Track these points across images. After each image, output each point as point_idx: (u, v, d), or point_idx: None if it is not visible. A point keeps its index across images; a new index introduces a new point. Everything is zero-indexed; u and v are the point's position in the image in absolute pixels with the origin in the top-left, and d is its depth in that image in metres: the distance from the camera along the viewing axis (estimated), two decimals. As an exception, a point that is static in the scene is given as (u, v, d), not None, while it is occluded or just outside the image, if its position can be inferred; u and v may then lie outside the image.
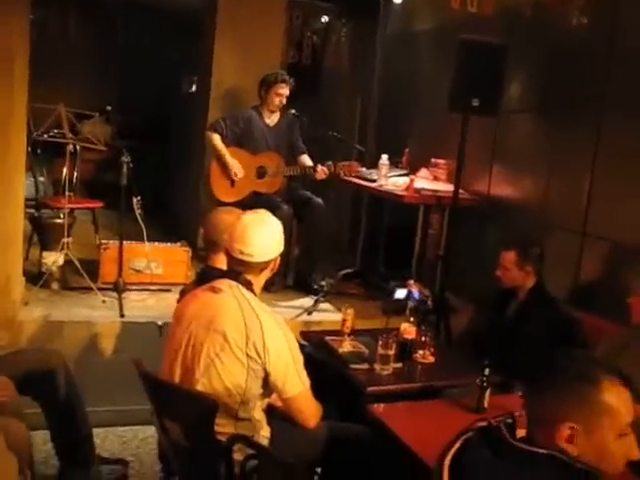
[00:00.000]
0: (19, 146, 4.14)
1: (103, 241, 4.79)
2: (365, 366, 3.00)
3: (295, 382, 2.45)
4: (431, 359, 3.15)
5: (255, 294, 2.56)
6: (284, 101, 5.02)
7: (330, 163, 4.94)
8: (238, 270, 2.55)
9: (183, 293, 3.22)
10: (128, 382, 3.45)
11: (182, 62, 7.96)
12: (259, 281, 2.60)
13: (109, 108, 4.17)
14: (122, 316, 4.16)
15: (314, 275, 5.13)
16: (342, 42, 6.85)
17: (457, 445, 1.53)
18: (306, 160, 5.16)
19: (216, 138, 5.03)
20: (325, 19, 6.85)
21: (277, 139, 5.14)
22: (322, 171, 4.92)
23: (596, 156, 3.80)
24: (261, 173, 5.09)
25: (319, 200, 5.06)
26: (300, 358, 2.50)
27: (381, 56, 5.96)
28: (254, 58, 5.84)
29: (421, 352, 3.15)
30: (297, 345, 2.52)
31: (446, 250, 4.55)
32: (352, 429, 2.75)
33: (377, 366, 2.96)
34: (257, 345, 2.38)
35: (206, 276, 3.03)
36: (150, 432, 3.83)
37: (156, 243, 4.82)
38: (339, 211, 5.81)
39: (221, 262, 3.07)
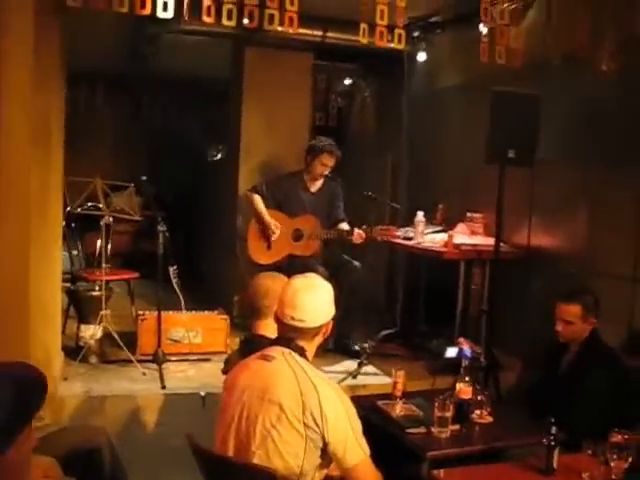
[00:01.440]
0: (56, 220, 4.16)
1: (140, 312, 4.75)
2: (422, 430, 2.87)
3: (356, 450, 2.34)
4: (489, 419, 3.02)
5: (309, 360, 2.48)
6: (328, 171, 5.04)
7: (366, 227, 4.90)
8: (290, 336, 2.47)
9: (228, 363, 3.16)
10: (174, 457, 3.37)
11: (207, 131, 8.07)
12: (312, 347, 2.51)
13: (144, 178, 4.18)
14: (163, 388, 4.09)
15: (353, 337, 5.05)
16: (367, 102, 6.91)
17: None
18: (344, 227, 5.14)
19: (257, 199, 5.06)
20: (349, 81, 6.93)
21: (317, 205, 5.16)
22: (359, 235, 4.87)
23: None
24: (298, 236, 5.08)
25: (356, 263, 5.02)
26: (359, 425, 2.40)
27: (408, 114, 5.96)
28: (282, 123, 5.91)
29: (478, 412, 3.02)
30: (355, 412, 2.42)
31: (489, 305, 4.44)
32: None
33: (435, 429, 2.84)
34: (314, 414, 2.29)
35: (251, 344, 2.97)
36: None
37: (194, 312, 4.78)
38: (374, 271, 5.73)
39: (264, 328, 3.02)
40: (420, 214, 5.04)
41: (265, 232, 5.06)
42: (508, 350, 4.51)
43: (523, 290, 4.56)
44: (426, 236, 5.00)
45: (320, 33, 5.43)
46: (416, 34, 5.67)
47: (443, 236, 4.91)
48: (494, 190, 4.57)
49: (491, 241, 4.67)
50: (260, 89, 5.87)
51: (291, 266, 4.82)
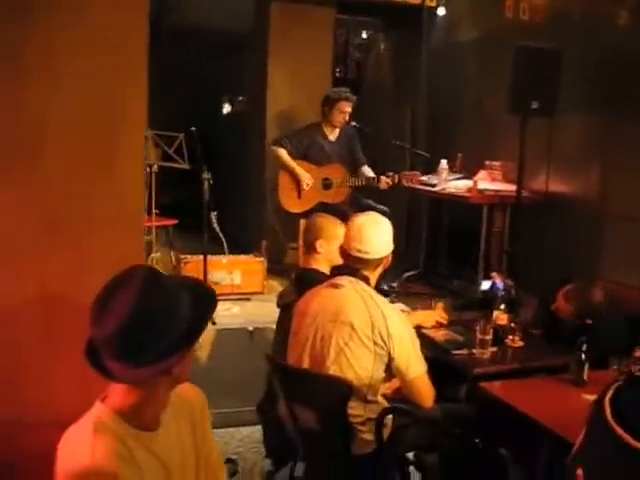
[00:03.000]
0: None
1: (182, 256, 5.06)
2: (465, 351, 3.23)
3: (417, 365, 2.69)
4: (520, 343, 3.37)
5: (372, 288, 2.81)
6: (347, 118, 5.28)
7: (392, 174, 5.20)
8: (356, 267, 2.80)
9: (282, 297, 3.49)
10: (224, 387, 3.72)
11: (224, 82, 8.25)
12: (374, 276, 2.85)
13: (193, 129, 4.44)
14: (214, 324, 4.43)
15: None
16: (386, 55, 7.13)
17: (611, 390, 1.76)
18: (367, 171, 5.42)
19: (283, 152, 5.30)
20: (368, 34, 7.15)
21: (339, 152, 5.40)
22: (385, 182, 5.18)
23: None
24: (327, 184, 5.36)
25: (383, 207, 5.31)
26: (418, 343, 2.75)
27: (427, 66, 6.22)
28: (306, 75, 6.14)
29: (511, 337, 3.37)
30: (414, 332, 2.77)
31: (511, 245, 4.78)
32: (461, 409, 2.99)
33: (477, 350, 3.19)
34: (382, 332, 2.63)
35: (307, 277, 3.30)
36: (246, 432, 4.07)
37: (231, 255, 5.10)
38: (397, 217, 6.05)
39: (316, 263, 3.34)
40: (444, 162, 5.35)
41: (296, 182, 5.33)
42: (527, 288, 4.86)
43: (541, 233, 4.90)
44: (449, 182, 5.31)
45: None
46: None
47: (465, 182, 5.22)
48: (512, 140, 4.90)
49: (511, 187, 5.01)
50: (284, 42, 6.08)
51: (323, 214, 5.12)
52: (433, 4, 4.39)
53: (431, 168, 5.69)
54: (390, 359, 2.67)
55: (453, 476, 2.12)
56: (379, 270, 2.87)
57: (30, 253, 1.80)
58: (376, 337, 2.63)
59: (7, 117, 1.84)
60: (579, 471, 1.80)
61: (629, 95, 4.33)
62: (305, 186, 5.27)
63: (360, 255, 2.78)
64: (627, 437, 1.67)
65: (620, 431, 1.69)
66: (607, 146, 4.53)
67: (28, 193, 1.81)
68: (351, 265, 2.82)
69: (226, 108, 8.59)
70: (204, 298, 1.59)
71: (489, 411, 2.82)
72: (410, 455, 2.94)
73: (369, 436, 2.67)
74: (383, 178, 5.20)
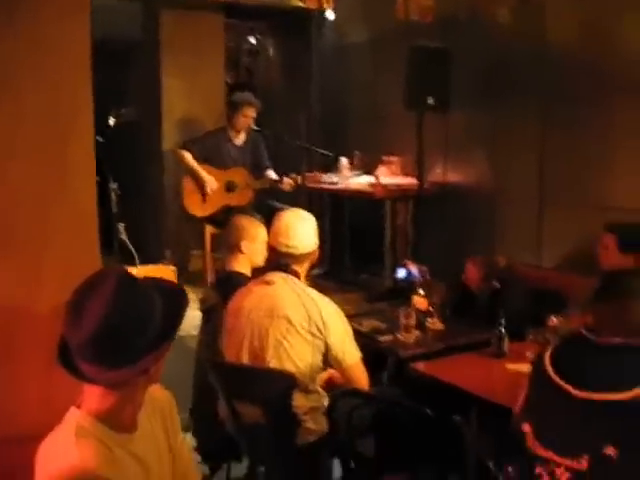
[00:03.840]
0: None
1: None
2: (390, 337, 3.38)
3: (352, 352, 2.80)
4: (440, 325, 3.55)
5: (302, 281, 2.89)
6: (251, 122, 5.34)
7: (294, 175, 5.30)
8: (285, 262, 2.87)
9: (205, 301, 3.50)
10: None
11: (110, 92, 8.07)
12: (304, 270, 2.93)
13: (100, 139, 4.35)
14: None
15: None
16: (273, 59, 7.23)
17: (548, 352, 1.94)
18: (271, 174, 5.50)
19: (187, 155, 5.29)
20: (257, 39, 7.21)
21: (244, 156, 5.47)
22: (288, 183, 5.29)
23: (544, 134, 4.36)
24: (230, 187, 5.39)
25: (287, 207, 5.39)
26: (351, 332, 2.85)
27: (319, 69, 6.37)
28: (200, 82, 6.15)
29: (431, 320, 3.54)
30: (347, 320, 2.87)
31: (415, 236, 5.00)
32: (393, 391, 3.13)
33: (401, 335, 3.34)
34: (318, 323, 2.72)
35: (230, 280, 3.34)
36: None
37: (142, 266, 5.01)
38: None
39: (239, 265, 3.39)
40: (344, 159, 5.51)
41: (200, 186, 5.34)
42: (433, 275, 5.09)
43: (442, 221, 5.13)
44: (350, 179, 5.47)
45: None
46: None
47: (366, 178, 5.39)
48: (407, 135, 5.14)
49: (410, 180, 5.24)
50: (176, 50, 6.05)
51: (227, 216, 5.14)
52: (323, 7, 4.54)
53: (330, 167, 5.84)
54: (327, 349, 2.75)
55: (409, 448, 2.23)
56: (307, 264, 2.95)
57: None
58: (312, 328, 2.71)
59: None
60: (526, 427, 1.98)
61: (512, 88, 4.63)
62: (209, 190, 5.29)
63: (289, 250, 2.85)
64: (569, 388, 1.86)
65: (563, 384, 1.88)
66: (495, 136, 4.82)
67: None
68: (281, 261, 2.89)
69: (112, 120, 8.41)
70: (176, 297, 1.62)
71: (419, 390, 2.97)
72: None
73: (312, 425, 2.75)
74: (286, 179, 5.30)
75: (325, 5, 4.92)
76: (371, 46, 5.83)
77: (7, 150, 1.85)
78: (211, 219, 5.44)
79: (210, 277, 5.45)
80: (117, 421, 1.54)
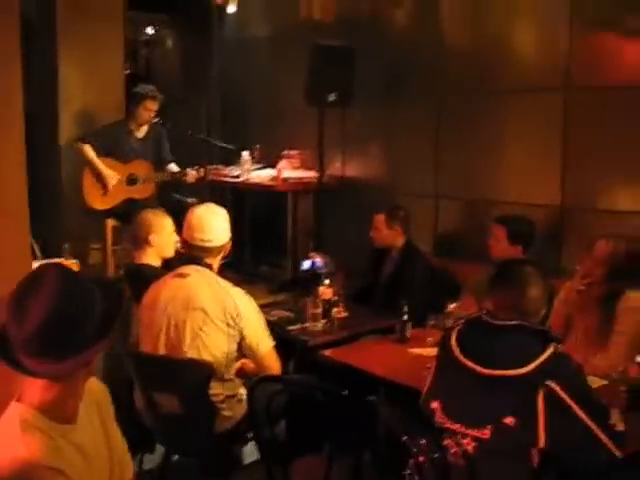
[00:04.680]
0: None
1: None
2: (298, 326, 3.52)
3: (266, 341, 2.91)
4: (345, 314, 3.72)
5: (215, 274, 2.98)
6: (153, 115, 5.31)
7: (197, 167, 5.34)
8: (199, 255, 2.95)
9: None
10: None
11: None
12: (216, 263, 3.03)
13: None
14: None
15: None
16: (172, 51, 7.18)
17: (456, 328, 2.14)
18: (173, 167, 5.49)
19: (87, 148, 5.20)
20: (155, 30, 7.14)
21: (145, 149, 5.41)
22: (192, 176, 5.31)
23: (439, 131, 4.62)
24: (132, 180, 5.35)
25: (192, 200, 5.42)
26: (264, 321, 2.97)
27: (218, 62, 6.41)
28: (98, 73, 6.02)
29: (336, 309, 3.70)
30: (259, 309, 2.98)
31: (316, 229, 5.17)
32: (301, 377, 3.26)
33: (309, 324, 3.50)
34: (233, 314, 2.82)
35: (140, 272, 3.38)
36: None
37: (45, 261, 4.90)
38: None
39: (147, 258, 3.44)
40: (245, 153, 5.58)
41: (100, 179, 5.27)
42: (333, 264, 5.27)
43: (341, 213, 5.32)
44: (252, 173, 5.56)
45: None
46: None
47: (267, 172, 5.50)
48: (306, 129, 5.29)
49: (310, 174, 5.40)
50: (73, 39, 5.90)
51: (129, 209, 5.13)
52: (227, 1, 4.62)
53: (231, 160, 5.90)
54: (241, 338, 2.86)
55: (324, 429, 2.38)
56: (220, 257, 3.04)
57: None
58: (228, 319, 2.81)
59: None
60: (434, 404, 2.16)
61: (409, 86, 4.87)
62: (110, 183, 5.22)
63: (203, 244, 2.94)
64: (474, 366, 2.05)
65: (468, 362, 2.07)
66: (392, 132, 5.05)
67: None
68: (195, 254, 2.96)
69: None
70: (113, 292, 1.67)
71: (326, 376, 3.12)
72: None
73: (229, 412, 2.86)
74: (190, 172, 5.32)
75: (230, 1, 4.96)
76: (272, 41, 5.93)
77: None
78: (112, 212, 5.39)
79: (111, 270, 5.40)
80: (59, 412, 1.58)
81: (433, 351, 3.04)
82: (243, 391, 2.96)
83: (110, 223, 5.42)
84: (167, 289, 2.91)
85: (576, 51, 3.91)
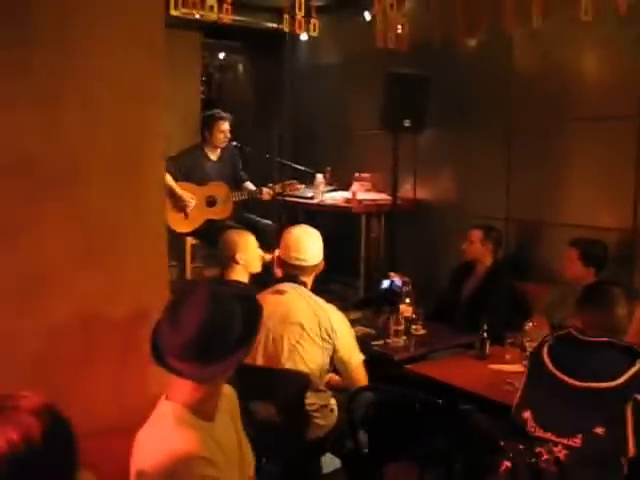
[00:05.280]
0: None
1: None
2: (381, 342, 3.71)
3: (357, 354, 3.11)
4: (423, 331, 3.90)
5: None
6: (228, 135, 5.58)
7: (272, 185, 5.60)
8: (295, 274, 3.17)
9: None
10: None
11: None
12: (310, 281, 3.24)
13: None
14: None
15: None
16: (243, 76, 7.50)
17: (547, 344, 2.31)
18: (249, 185, 5.76)
19: (166, 176, 5.46)
20: (223, 55, 7.48)
21: (222, 171, 5.68)
22: (267, 193, 5.57)
23: (510, 156, 4.80)
24: (211, 202, 5.62)
25: (268, 221, 5.69)
26: (354, 336, 3.17)
27: (291, 87, 6.70)
28: (179, 99, 6.35)
29: (415, 327, 3.89)
30: (350, 325, 3.18)
31: (388, 250, 5.37)
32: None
33: (391, 340, 3.69)
34: (327, 329, 3.03)
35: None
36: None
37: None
38: (277, 230, 6.41)
39: (236, 274, 3.68)
40: (319, 175, 5.83)
41: (180, 204, 5.51)
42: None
43: (412, 235, 5.51)
44: (325, 195, 5.80)
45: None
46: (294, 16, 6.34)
47: (340, 194, 5.74)
48: (377, 153, 5.53)
49: (382, 196, 5.60)
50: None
51: (209, 229, 5.41)
52: (298, 30, 4.89)
53: (303, 183, 6.14)
54: (335, 351, 3.06)
55: (423, 436, 2.56)
56: (314, 275, 3.26)
57: (69, 277, 1.98)
58: (323, 333, 3.02)
59: (47, 146, 1.98)
60: (526, 414, 2.34)
61: (476, 112, 5.05)
62: (187, 205, 5.45)
63: (299, 263, 3.16)
64: (566, 378, 2.22)
65: (561, 375, 2.24)
66: (462, 157, 5.23)
67: (67, 222, 1.98)
68: (290, 272, 3.19)
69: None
70: (251, 305, 1.88)
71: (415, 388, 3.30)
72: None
73: (322, 421, 3.06)
74: (265, 189, 5.57)
75: (299, 30, 5.21)
76: (344, 68, 6.19)
77: (89, 168, 2.04)
78: (196, 233, 5.64)
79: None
80: (203, 411, 1.81)
81: (512, 367, 3.25)
82: (334, 402, 3.16)
83: (190, 241, 5.69)
84: (267, 304, 3.07)
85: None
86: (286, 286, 3.15)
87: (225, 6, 4.26)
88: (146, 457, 1.73)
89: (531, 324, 3.43)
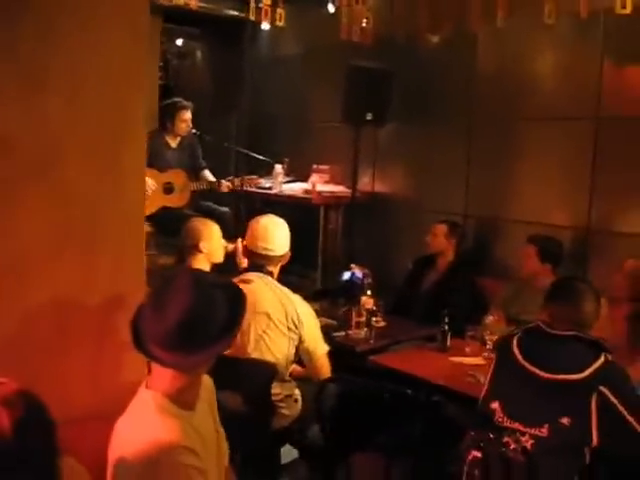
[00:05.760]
0: None
1: None
2: (343, 333, 3.74)
3: (322, 345, 3.14)
4: (383, 323, 3.94)
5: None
6: (190, 124, 5.52)
7: (232, 177, 5.56)
8: (261, 263, 3.18)
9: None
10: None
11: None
12: (277, 271, 3.25)
13: None
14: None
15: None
16: (201, 63, 7.41)
17: (515, 336, 2.37)
18: (208, 175, 5.71)
19: None
20: (181, 42, 7.37)
21: (181, 158, 5.62)
22: (226, 186, 5.53)
23: (470, 153, 4.87)
24: (168, 189, 5.56)
25: (224, 209, 5.64)
26: (319, 326, 3.19)
27: (250, 76, 6.66)
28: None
29: (375, 319, 3.93)
30: (316, 316, 3.20)
31: (346, 242, 5.39)
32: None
33: (353, 331, 3.72)
34: (294, 319, 3.04)
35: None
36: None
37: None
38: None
39: (198, 263, 3.65)
40: (278, 166, 5.81)
41: None
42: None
43: (370, 228, 5.55)
44: (283, 185, 5.79)
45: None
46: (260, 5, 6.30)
47: (299, 185, 5.73)
48: (336, 145, 5.56)
49: (340, 188, 5.63)
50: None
51: (165, 217, 5.34)
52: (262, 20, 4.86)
53: (259, 172, 6.11)
54: (300, 341, 3.07)
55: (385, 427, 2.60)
56: (280, 265, 3.26)
57: (45, 261, 1.93)
58: (289, 323, 3.03)
59: (28, 130, 1.92)
60: (494, 405, 2.39)
61: (438, 108, 5.12)
62: (147, 191, 5.39)
63: (266, 253, 3.16)
64: (535, 370, 2.29)
65: (531, 368, 2.30)
66: (422, 151, 5.29)
67: (46, 206, 1.93)
68: (257, 262, 3.19)
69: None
70: (235, 295, 1.87)
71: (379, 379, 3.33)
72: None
73: (286, 411, 3.08)
74: (224, 182, 5.54)
75: (264, 19, 5.17)
76: (305, 59, 6.17)
77: (69, 154, 1.99)
78: (151, 219, 5.56)
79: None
80: (183, 400, 1.79)
81: (473, 360, 3.32)
82: (298, 392, 3.17)
83: (144, 228, 5.61)
84: (232, 294, 3.12)
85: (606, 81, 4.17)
86: (252, 275, 3.15)
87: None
88: (126, 446, 1.71)
89: (491, 317, 3.51)
